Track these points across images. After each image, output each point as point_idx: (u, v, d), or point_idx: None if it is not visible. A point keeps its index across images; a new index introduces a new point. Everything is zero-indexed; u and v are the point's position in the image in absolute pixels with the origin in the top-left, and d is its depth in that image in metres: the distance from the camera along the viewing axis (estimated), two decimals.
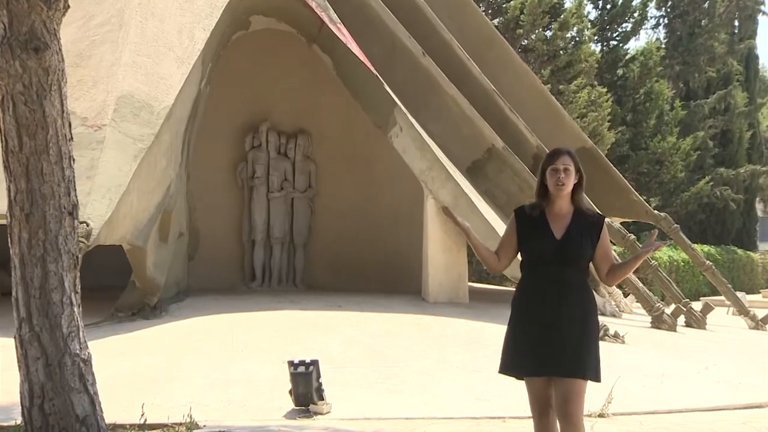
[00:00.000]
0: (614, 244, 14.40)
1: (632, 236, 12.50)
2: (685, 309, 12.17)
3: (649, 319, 11.61)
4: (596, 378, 3.97)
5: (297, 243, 13.57)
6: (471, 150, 12.14)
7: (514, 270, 4.48)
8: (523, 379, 4.03)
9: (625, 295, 14.65)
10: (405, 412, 6.18)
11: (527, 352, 3.95)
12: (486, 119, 12.11)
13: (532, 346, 3.93)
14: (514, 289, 4.20)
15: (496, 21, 21.85)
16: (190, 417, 5.51)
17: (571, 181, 4.05)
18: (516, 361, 4.01)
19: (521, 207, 4.21)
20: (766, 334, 12.98)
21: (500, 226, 10.57)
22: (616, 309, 12.65)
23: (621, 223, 13.82)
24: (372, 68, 11.40)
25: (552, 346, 3.90)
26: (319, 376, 6.14)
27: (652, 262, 12.52)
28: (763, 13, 30.61)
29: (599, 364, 4.00)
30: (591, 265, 4.13)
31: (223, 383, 6.65)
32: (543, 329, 3.93)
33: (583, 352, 3.93)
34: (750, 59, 31.28)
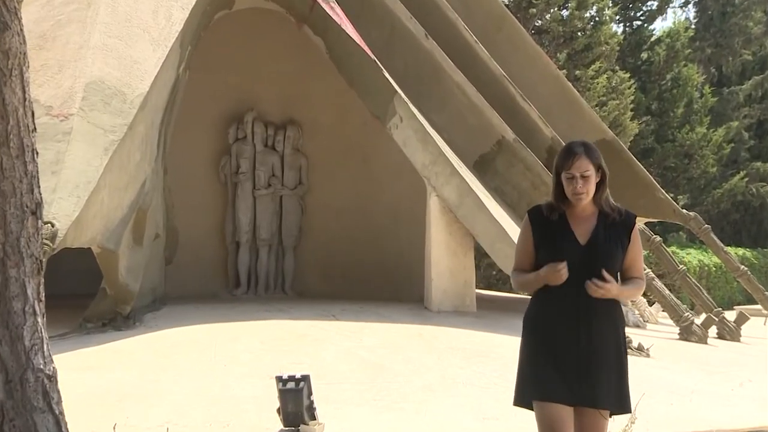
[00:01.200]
0: None
1: (658, 238, 12.50)
2: (717, 319, 12.17)
3: (677, 330, 11.61)
4: (630, 409, 3.93)
5: (286, 245, 13.56)
6: (479, 142, 12.14)
7: None
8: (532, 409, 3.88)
9: (650, 304, 14.65)
10: None
11: (555, 377, 3.79)
12: (495, 108, 12.10)
13: (561, 371, 3.79)
14: (529, 304, 4.01)
15: None
16: None
17: (591, 187, 3.86)
18: (540, 385, 3.82)
19: (536, 207, 4.02)
20: None
21: (511, 227, 10.56)
22: (640, 319, 12.64)
23: (645, 224, 13.81)
24: (369, 52, 11.38)
25: (587, 373, 3.78)
26: (310, 393, 6.13)
27: (681, 266, 12.50)
28: None
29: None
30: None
31: (203, 401, 6.63)
32: (572, 352, 3.79)
33: (622, 382, 3.87)
34: None
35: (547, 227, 3.91)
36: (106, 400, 6.51)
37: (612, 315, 3.87)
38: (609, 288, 3.76)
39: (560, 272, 3.75)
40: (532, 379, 3.86)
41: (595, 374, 3.79)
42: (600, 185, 3.91)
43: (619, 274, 3.92)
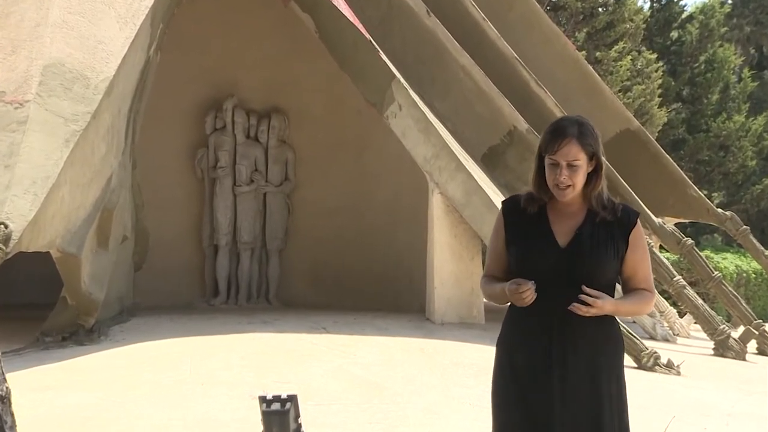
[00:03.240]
0: (664, 250, 14.41)
1: (690, 240, 12.48)
2: (756, 332, 12.16)
3: (712, 344, 11.60)
4: None
5: (270, 249, 13.55)
6: (487, 133, 12.13)
7: None
8: None
9: (681, 315, 14.64)
10: None
11: (525, 426, 3.46)
12: (506, 95, 12.10)
13: (531, 419, 3.44)
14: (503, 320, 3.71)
15: None
16: None
17: (579, 179, 3.47)
18: None
19: (513, 198, 3.69)
20: None
21: None
22: (670, 332, 12.63)
23: (675, 225, 13.80)
24: (364, 31, 11.37)
25: (561, 424, 3.41)
26: (297, 416, 6.08)
27: (715, 273, 12.50)
28: None
29: None
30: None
31: (178, 426, 6.61)
32: (544, 392, 3.42)
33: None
34: None
35: (522, 222, 3.56)
36: (66, 425, 6.49)
37: (601, 335, 3.51)
38: (601, 304, 3.37)
39: (524, 295, 3.38)
40: (498, 426, 3.56)
41: (572, 422, 3.41)
42: (592, 176, 3.53)
43: (620, 286, 3.61)
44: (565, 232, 3.48)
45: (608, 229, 3.50)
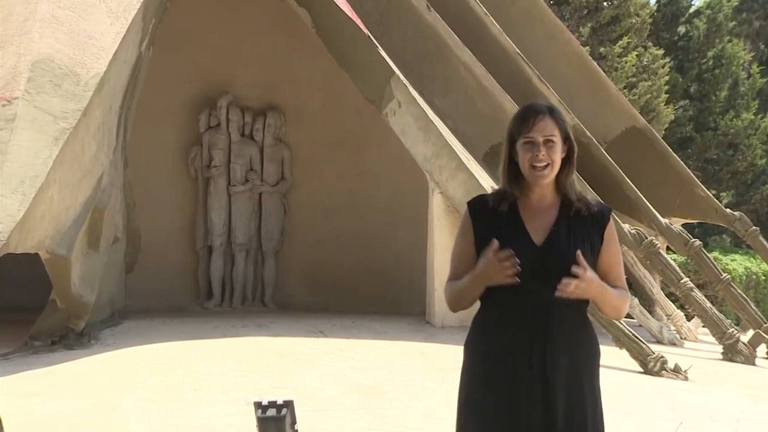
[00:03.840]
0: (672, 252, 14.41)
1: (697, 242, 12.47)
2: (766, 336, 12.16)
3: (720, 348, 11.59)
4: None
5: (266, 250, 13.55)
6: (489, 131, 12.12)
7: None
8: None
9: (689, 318, 14.63)
10: None
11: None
12: (508, 91, 12.09)
13: (503, 427, 3.34)
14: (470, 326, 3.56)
15: None
16: None
17: (557, 157, 3.38)
18: None
19: (480, 198, 3.54)
20: None
21: None
22: (676, 336, 12.63)
23: (683, 225, 13.80)
24: (363, 26, 11.37)
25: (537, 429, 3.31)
26: (294, 422, 6.10)
27: (724, 275, 12.50)
28: None
29: None
30: None
31: None
32: (517, 400, 3.32)
33: None
34: None
35: (493, 222, 3.41)
36: (54, 431, 6.48)
37: (580, 336, 3.41)
38: (589, 278, 3.22)
39: (504, 263, 3.22)
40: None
41: (548, 428, 3.31)
42: (565, 164, 3.43)
43: None
44: (540, 230, 3.37)
45: (583, 225, 3.41)
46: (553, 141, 3.35)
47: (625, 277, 3.56)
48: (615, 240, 3.48)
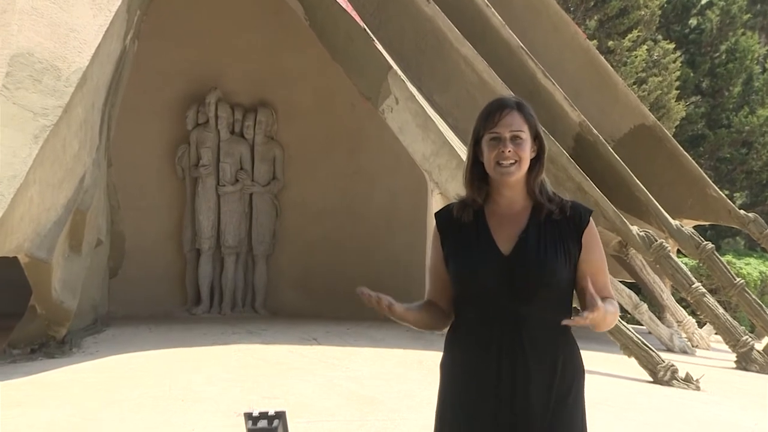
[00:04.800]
0: (682, 255, 14.41)
1: (710, 245, 12.48)
2: None
3: (733, 356, 11.60)
4: None
5: (257, 254, 13.55)
6: None
7: None
8: None
9: (701, 325, 14.65)
10: None
11: None
12: (511, 87, 12.09)
13: None
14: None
15: None
16: None
17: (525, 154, 3.24)
18: None
19: (445, 208, 3.42)
20: None
21: None
22: (688, 344, 12.64)
23: (694, 227, 13.81)
24: (358, 19, 11.37)
25: None
26: None
27: (737, 279, 12.51)
28: None
29: None
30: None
31: None
32: (491, 425, 3.18)
33: None
34: None
35: (458, 232, 3.30)
36: None
37: (557, 354, 3.21)
38: (602, 307, 3.06)
39: (378, 304, 3.21)
40: None
41: None
42: (535, 163, 3.29)
43: (576, 293, 3.29)
44: (508, 238, 3.22)
45: (557, 230, 3.24)
46: (520, 137, 3.21)
47: (610, 284, 3.43)
48: (597, 245, 3.29)
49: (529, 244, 3.19)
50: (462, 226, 3.28)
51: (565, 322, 3.08)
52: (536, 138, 3.28)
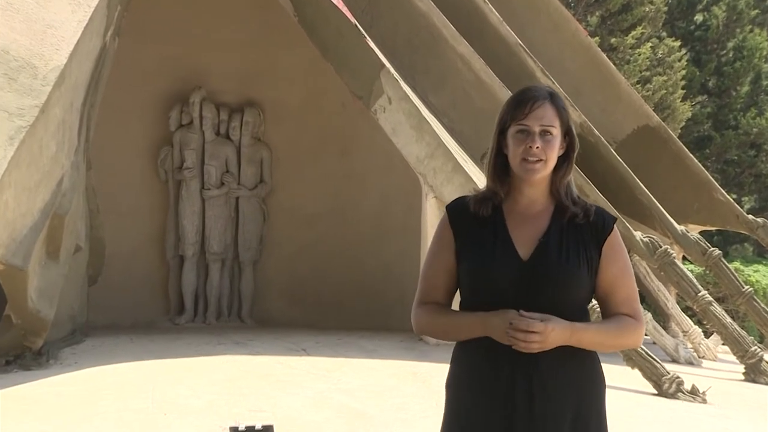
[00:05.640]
0: (688, 262, 14.42)
1: (717, 251, 12.49)
2: None
3: (742, 368, 11.61)
4: None
5: (243, 260, 13.54)
6: (488, 130, 12.04)
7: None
8: None
9: (707, 335, 14.66)
10: None
11: None
12: (509, 87, 12.10)
13: None
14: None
15: None
16: None
17: (553, 153, 3.12)
18: None
19: (459, 200, 3.29)
20: None
21: None
22: (694, 355, 12.65)
23: (701, 233, 13.82)
24: (349, 14, 11.38)
25: None
26: None
27: (746, 287, 12.52)
28: None
29: None
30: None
31: None
32: None
33: None
34: None
35: (474, 229, 3.17)
36: None
37: (578, 367, 3.12)
38: (543, 329, 2.95)
39: (512, 328, 2.97)
40: None
41: None
42: (562, 162, 3.18)
43: (599, 306, 3.23)
44: (527, 240, 3.11)
45: (579, 236, 3.13)
46: (551, 132, 3.10)
47: (638, 299, 3.26)
48: (620, 255, 3.18)
49: (550, 249, 3.09)
50: (477, 221, 3.16)
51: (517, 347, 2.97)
52: (567, 134, 3.18)
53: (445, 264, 3.22)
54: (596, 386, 3.16)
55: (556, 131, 3.12)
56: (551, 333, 2.95)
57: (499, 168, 3.20)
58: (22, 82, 8.97)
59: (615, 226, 3.20)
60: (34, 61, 9.17)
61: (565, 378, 3.06)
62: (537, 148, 3.08)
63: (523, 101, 3.13)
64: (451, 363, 3.25)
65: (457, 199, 3.30)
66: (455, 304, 3.30)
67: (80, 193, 10.72)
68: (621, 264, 3.17)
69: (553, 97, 3.15)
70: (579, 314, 3.10)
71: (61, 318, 10.09)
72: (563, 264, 3.07)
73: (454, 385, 3.20)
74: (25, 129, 8.72)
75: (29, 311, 9.23)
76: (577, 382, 3.09)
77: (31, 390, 8.28)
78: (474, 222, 3.17)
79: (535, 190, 3.16)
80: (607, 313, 3.18)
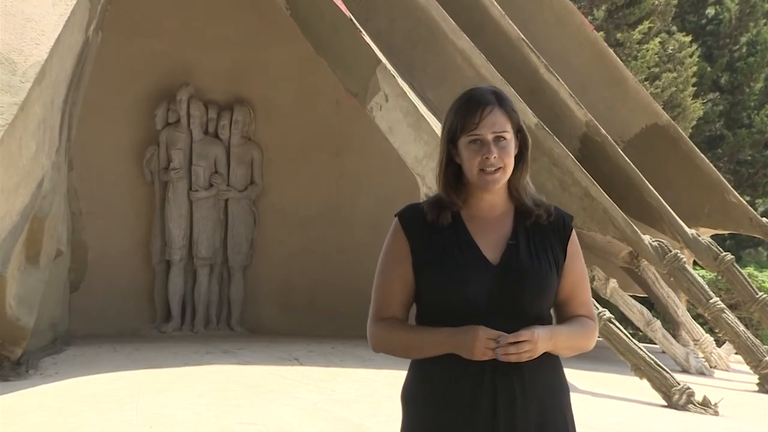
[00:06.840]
0: (699, 267, 14.43)
1: (729, 256, 12.51)
2: None
3: (755, 378, 11.62)
4: None
5: (233, 265, 13.55)
6: None
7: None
8: None
9: (719, 344, 14.68)
10: None
11: None
12: (512, 83, 12.12)
13: None
14: (407, 374, 3.30)
15: None
16: None
17: (510, 160, 3.11)
18: None
19: (411, 208, 3.27)
20: None
21: None
22: (705, 364, 12.66)
23: (712, 237, 13.84)
24: (344, 8, 11.39)
25: None
26: None
27: (760, 294, 12.54)
28: None
29: None
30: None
31: None
32: None
33: None
34: None
35: (433, 238, 3.14)
36: None
37: (549, 376, 3.13)
38: (531, 336, 2.96)
39: (479, 344, 2.95)
40: None
41: None
42: (518, 162, 3.17)
43: (552, 310, 3.22)
44: (494, 245, 3.09)
45: (545, 237, 3.15)
46: (504, 138, 3.08)
47: (592, 299, 3.34)
48: (579, 255, 3.21)
49: (520, 252, 3.08)
50: (437, 230, 3.13)
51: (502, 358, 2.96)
52: (518, 132, 3.16)
53: (401, 276, 3.21)
54: (566, 392, 3.17)
55: (510, 135, 3.11)
56: (539, 339, 2.97)
57: (452, 178, 3.17)
58: (0, 78, 8.98)
59: (572, 221, 3.24)
60: (13, 56, 9.17)
61: (544, 383, 3.07)
62: (495, 157, 3.06)
63: (472, 109, 3.11)
64: (409, 372, 3.25)
65: (408, 206, 3.27)
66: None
67: (61, 195, 10.72)
68: (582, 264, 3.22)
69: (500, 100, 3.13)
70: (548, 318, 3.14)
71: (42, 326, 10.08)
72: (536, 266, 3.08)
73: (418, 394, 3.20)
74: (3, 128, 8.71)
75: (8, 319, 9.23)
76: (550, 389, 3.10)
77: (10, 402, 8.28)
78: (431, 230, 3.14)
79: (494, 195, 3.15)
80: (566, 316, 3.19)
